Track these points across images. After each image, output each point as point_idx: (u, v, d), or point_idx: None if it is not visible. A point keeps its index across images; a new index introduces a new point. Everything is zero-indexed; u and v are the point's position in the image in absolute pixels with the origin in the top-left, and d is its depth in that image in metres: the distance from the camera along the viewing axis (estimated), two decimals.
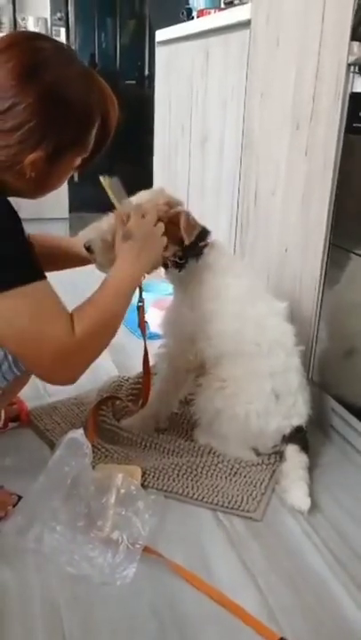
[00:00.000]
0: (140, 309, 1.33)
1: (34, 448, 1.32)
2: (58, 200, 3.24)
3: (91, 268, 1.25)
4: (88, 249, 1.19)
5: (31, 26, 3.14)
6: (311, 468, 1.27)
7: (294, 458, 1.25)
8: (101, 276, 1.14)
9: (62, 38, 3.84)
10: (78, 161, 1.06)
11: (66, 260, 1.32)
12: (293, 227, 1.47)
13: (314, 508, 1.17)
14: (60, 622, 0.91)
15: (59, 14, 3.51)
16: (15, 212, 0.97)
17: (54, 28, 3.47)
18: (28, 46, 0.97)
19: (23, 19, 3.16)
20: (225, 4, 1.87)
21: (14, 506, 1.11)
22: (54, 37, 3.08)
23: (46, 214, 3.22)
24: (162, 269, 1.29)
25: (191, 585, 0.98)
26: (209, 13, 1.92)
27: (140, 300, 1.31)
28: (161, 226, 1.16)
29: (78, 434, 1.12)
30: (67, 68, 0.99)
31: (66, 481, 1.06)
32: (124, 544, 1.02)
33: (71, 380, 1.06)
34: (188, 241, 1.21)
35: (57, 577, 0.99)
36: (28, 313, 0.97)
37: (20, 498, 1.11)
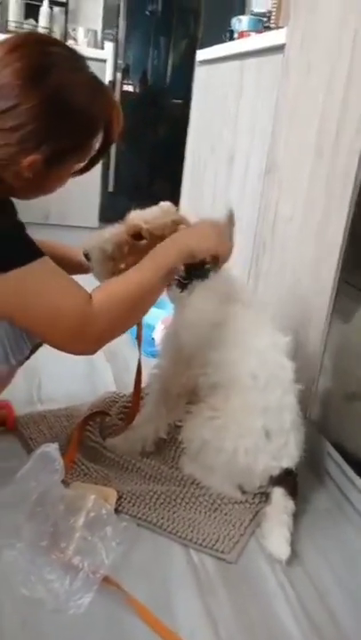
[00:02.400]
0: (139, 322, 1.29)
1: (14, 456, 1.28)
2: (88, 208, 3.23)
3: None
4: (86, 256, 1.16)
5: (81, 37, 3.17)
6: (298, 515, 1.19)
7: (280, 502, 1.18)
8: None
9: (110, 52, 3.91)
10: (77, 167, 1.05)
11: (67, 267, 1.29)
12: (307, 257, 1.42)
13: (294, 558, 1.09)
14: None
15: (108, 30, 3.56)
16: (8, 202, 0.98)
17: (105, 41, 3.51)
18: (38, 49, 0.96)
19: (74, 29, 3.20)
20: (264, 27, 1.85)
21: None
22: (102, 51, 3.11)
23: (75, 222, 3.22)
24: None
25: (145, 623, 0.92)
26: (249, 35, 1.90)
27: None
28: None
29: (52, 448, 1.08)
30: (74, 74, 0.98)
31: (31, 496, 1.02)
32: (84, 571, 0.97)
33: (90, 350, 1.06)
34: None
35: (8, 597, 0.94)
36: (36, 289, 0.97)
37: None
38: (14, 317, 1.01)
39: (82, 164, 1.06)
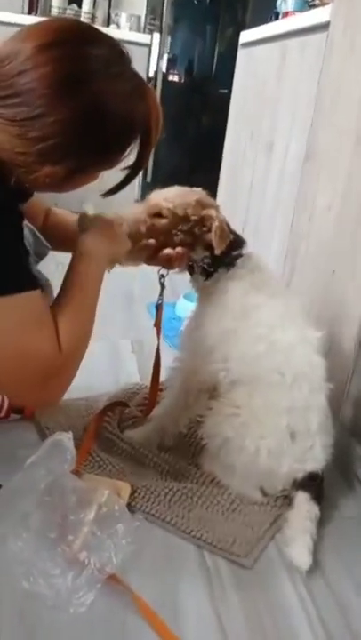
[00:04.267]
0: (159, 308, 1.24)
1: (28, 444, 1.24)
2: (125, 198, 3.19)
3: None
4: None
5: (123, 22, 3.13)
6: (323, 522, 1.11)
7: (303, 507, 1.10)
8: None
9: (155, 41, 3.86)
10: (100, 175, 0.97)
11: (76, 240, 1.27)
12: (344, 248, 1.33)
13: (315, 568, 1.02)
14: None
15: (153, 21, 3.50)
16: (16, 215, 0.91)
17: (148, 27, 3.46)
18: (75, 51, 0.84)
19: (117, 14, 3.16)
20: (309, 6, 1.75)
21: None
22: (145, 35, 3.06)
23: (113, 209, 3.19)
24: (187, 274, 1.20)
25: (151, 628, 0.87)
26: (294, 15, 1.80)
27: (160, 298, 1.22)
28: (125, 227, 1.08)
29: (65, 437, 1.03)
30: (113, 83, 0.86)
31: (39, 485, 0.98)
32: (89, 568, 0.92)
33: (54, 400, 1.02)
34: (218, 250, 1.10)
35: (8, 588, 0.90)
36: (11, 325, 0.90)
37: (0, 486, 1.05)
38: None
39: (127, 175, 0.99)
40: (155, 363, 1.31)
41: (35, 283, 0.92)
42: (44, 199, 1.25)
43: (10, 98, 0.82)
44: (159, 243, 1.12)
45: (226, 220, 1.13)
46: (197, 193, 1.14)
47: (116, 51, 0.89)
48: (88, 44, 0.85)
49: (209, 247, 1.12)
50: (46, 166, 0.86)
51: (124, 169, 0.98)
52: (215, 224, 1.09)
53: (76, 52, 0.84)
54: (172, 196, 1.11)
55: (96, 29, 0.95)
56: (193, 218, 1.10)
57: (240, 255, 1.16)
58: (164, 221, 1.10)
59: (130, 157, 1.00)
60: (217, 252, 1.10)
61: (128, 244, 1.09)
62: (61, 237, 1.26)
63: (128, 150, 0.95)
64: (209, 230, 1.10)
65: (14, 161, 0.85)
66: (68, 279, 1.04)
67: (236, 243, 1.16)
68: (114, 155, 0.94)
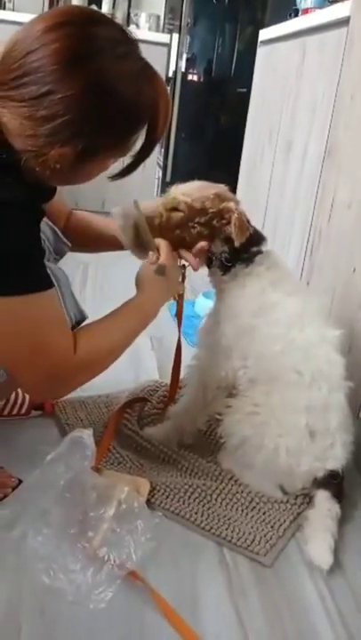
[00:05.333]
0: (180, 298, 1.23)
1: (49, 440, 1.26)
2: (145, 197, 3.20)
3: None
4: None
5: (142, 22, 3.14)
6: (344, 521, 1.10)
7: (323, 505, 1.09)
8: None
9: (175, 42, 3.86)
10: (112, 161, 0.96)
11: (99, 241, 1.27)
12: None
13: (336, 567, 1.01)
14: (17, 634, 0.83)
15: (173, 21, 3.50)
16: (36, 214, 0.91)
17: (167, 26, 3.46)
18: (82, 30, 0.85)
19: (136, 14, 3.17)
20: (329, 2, 1.73)
21: (14, 489, 1.07)
22: (163, 35, 3.07)
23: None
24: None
25: (169, 624, 0.87)
26: (313, 11, 1.79)
27: (181, 288, 1.21)
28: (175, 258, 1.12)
29: (85, 434, 1.04)
30: (120, 61, 0.86)
31: (59, 481, 0.99)
32: (108, 564, 0.93)
33: (57, 396, 1.02)
34: (238, 242, 1.10)
35: (29, 584, 0.91)
36: (29, 322, 0.91)
37: (20, 482, 1.07)
38: None
39: (115, 161, 0.97)
40: (176, 352, 1.31)
41: (49, 282, 0.93)
42: (65, 199, 1.25)
43: (19, 78, 0.83)
44: (175, 236, 1.12)
45: (245, 214, 1.13)
46: (217, 187, 1.14)
47: (123, 33, 0.90)
48: (95, 25, 0.87)
49: (228, 240, 1.11)
50: (55, 147, 0.86)
51: (133, 155, 0.97)
52: (235, 216, 1.09)
53: (83, 31, 0.85)
54: (190, 190, 1.11)
55: (102, 13, 0.97)
56: (211, 211, 1.10)
57: (260, 252, 1.15)
58: (180, 215, 1.10)
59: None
60: (236, 243, 1.10)
61: (180, 287, 1.17)
62: (83, 239, 1.28)
63: (136, 135, 0.94)
64: (228, 223, 1.09)
65: (25, 146, 0.86)
66: (128, 306, 1.08)
67: (256, 239, 1.15)
68: (122, 137, 0.93)
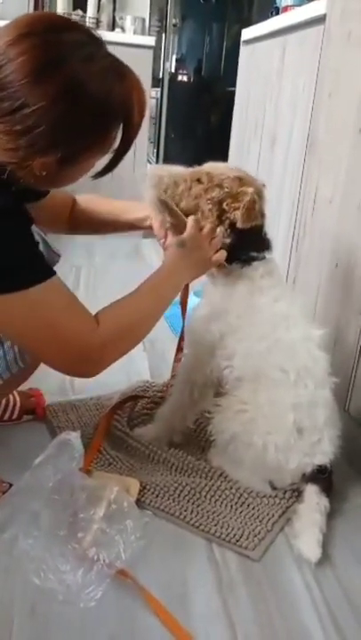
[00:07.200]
0: (185, 287, 1.24)
1: (40, 445, 1.26)
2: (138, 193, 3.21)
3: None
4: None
5: (128, 25, 3.14)
6: (333, 514, 1.11)
7: (312, 500, 1.11)
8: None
9: (161, 41, 3.87)
10: (96, 160, 0.97)
11: (115, 224, 1.29)
12: (346, 240, 1.33)
13: (324, 559, 1.02)
14: (9, 633, 0.84)
15: (159, 22, 3.50)
16: (22, 218, 0.93)
17: (153, 29, 3.47)
18: (44, 39, 0.85)
19: (121, 18, 3.17)
20: (308, 0, 1.74)
21: (4, 493, 1.07)
22: (149, 37, 3.08)
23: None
24: None
25: (159, 620, 0.88)
26: (293, 9, 1.80)
27: None
28: (215, 243, 1.13)
29: (72, 436, 1.06)
30: (87, 65, 0.87)
31: (47, 484, 1.00)
32: (98, 564, 0.94)
33: (93, 374, 1.03)
34: (240, 224, 1.10)
35: (20, 584, 0.92)
36: (46, 311, 0.93)
37: (10, 485, 1.08)
38: (18, 337, 1.00)
39: (99, 159, 0.98)
40: (178, 343, 1.34)
41: (50, 270, 0.95)
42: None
43: None
44: (193, 206, 1.13)
45: (264, 208, 1.13)
46: (244, 172, 1.15)
47: (87, 34, 0.91)
48: (58, 32, 0.88)
49: (233, 228, 1.12)
50: (37, 158, 0.88)
51: (114, 153, 0.99)
52: (247, 198, 1.09)
53: (48, 40, 0.86)
54: (220, 168, 1.13)
55: (65, 17, 0.98)
56: (226, 190, 1.10)
57: (259, 258, 1.15)
58: (200, 186, 1.12)
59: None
60: (239, 224, 1.10)
61: (210, 256, 1.14)
62: (90, 225, 1.32)
63: (114, 132, 0.95)
64: (238, 209, 1.10)
65: (8, 159, 0.88)
66: (147, 279, 1.09)
67: (260, 244, 1.16)
68: (99, 137, 0.94)
